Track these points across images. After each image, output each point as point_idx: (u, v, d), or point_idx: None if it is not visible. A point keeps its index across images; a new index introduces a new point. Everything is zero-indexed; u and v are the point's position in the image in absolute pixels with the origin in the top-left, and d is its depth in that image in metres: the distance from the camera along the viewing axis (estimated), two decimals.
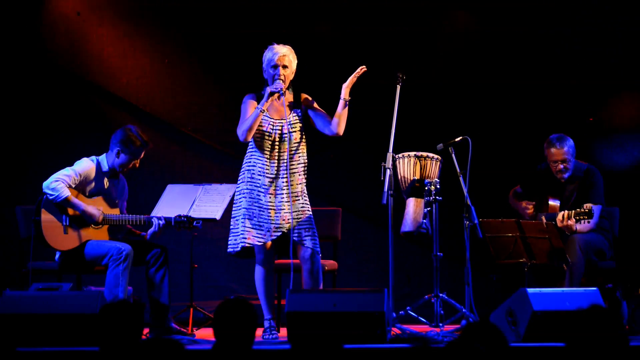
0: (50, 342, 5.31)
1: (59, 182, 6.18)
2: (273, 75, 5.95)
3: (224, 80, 8.00)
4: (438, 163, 6.11)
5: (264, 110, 5.91)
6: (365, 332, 5.37)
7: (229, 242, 6.03)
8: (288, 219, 5.93)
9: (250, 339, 3.50)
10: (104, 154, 6.41)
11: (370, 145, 7.80)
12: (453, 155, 6.10)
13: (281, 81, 5.92)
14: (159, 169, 7.98)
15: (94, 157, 6.39)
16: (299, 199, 5.95)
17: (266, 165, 5.96)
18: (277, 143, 5.97)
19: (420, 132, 7.58)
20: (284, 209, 5.93)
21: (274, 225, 5.92)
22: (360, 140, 7.98)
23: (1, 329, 5.37)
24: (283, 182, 5.95)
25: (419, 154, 6.09)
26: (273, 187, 5.94)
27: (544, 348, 5.18)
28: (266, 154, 5.96)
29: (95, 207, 6.25)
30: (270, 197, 5.94)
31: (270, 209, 5.93)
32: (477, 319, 5.94)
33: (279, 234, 5.93)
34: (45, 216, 6.22)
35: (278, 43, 6.02)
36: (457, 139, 6.14)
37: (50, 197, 6.18)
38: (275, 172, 5.96)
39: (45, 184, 6.20)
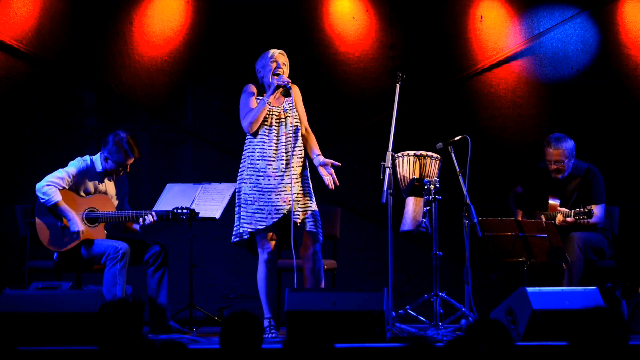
0: (50, 341, 5.31)
1: (51, 187, 6.18)
2: (273, 68, 5.99)
3: (224, 79, 7.99)
4: (437, 162, 6.11)
5: (269, 102, 5.96)
6: (364, 331, 5.37)
7: (233, 232, 6.03)
8: (289, 200, 5.93)
9: (256, 352, 3.51)
10: (99, 153, 6.40)
11: (370, 144, 7.80)
12: (452, 154, 6.11)
13: (283, 74, 5.97)
14: (158, 168, 7.98)
15: (87, 157, 6.39)
16: (298, 182, 5.96)
17: (264, 149, 5.97)
18: (274, 127, 6.00)
19: (419, 131, 7.59)
20: (284, 191, 5.94)
21: (274, 207, 5.92)
22: (360, 139, 7.99)
23: (1, 328, 5.37)
24: (282, 164, 5.96)
25: (419, 153, 6.09)
26: (272, 169, 5.95)
27: (544, 347, 5.18)
28: (264, 138, 5.98)
29: (80, 224, 6.22)
30: (269, 180, 5.95)
31: (270, 191, 5.93)
32: (477, 318, 5.94)
33: (280, 215, 5.92)
34: (40, 218, 6.22)
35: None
36: (456, 138, 6.14)
37: (42, 201, 6.19)
38: (274, 154, 5.97)
39: (38, 186, 6.20)
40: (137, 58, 7.88)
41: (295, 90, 6.11)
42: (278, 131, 6.00)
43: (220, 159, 7.97)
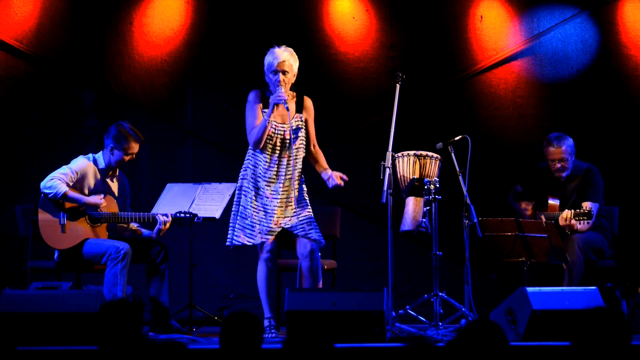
0: (50, 341, 5.31)
1: (55, 180, 6.19)
2: (274, 80, 5.92)
3: (224, 79, 7.99)
4: (437, 162, 6.11)
5: (270, 121, 5.91)
6: (364, 331, 5.37)
7: (227, 236, 6.06)
8: (281, 224, 5.94)
9: (256, 352, 3.51)
10: (101, 151, 6.41)
11: (370, 144, 7.80)
12: (452, 154, 6.11)
13: (282, 87, 5.89)
14: (158, 168, 7.98)
15: (90, 155, 6.40)
16: (291, 205, 5.95)
17: (266, 169, 5.96)
18: (278, 147, 5.97)
19: (419, 131, 7.58)
20: (276, 214, 5.95)
21: (266, 227, 5.94)
22: (360, 139, 7.98)
23: (1, 328, 5.37)
24: (280, 187, 5.96)
25: (419, 153, 6.09)
26: (270, 191, 5.96)
27: (544, 347, 5.18)
28: (267, 157, 5.96)
29: (96, 197, 6.25)
30: (265, 200, 5.95)
31: (265, 211, 5.95)
32: (477, 318, 5.94)
33: (271, 237, 5.94)
34: (43, 215, 6.23)
35: (279, 45, 5.99)
36: (456, 138, 6.15)
37: (50, 195, 6.19)
38: (274, 176, 5.96)
39: (42, 183, 6.21)
40: (137, 58, 7.88)
41: (308, 106, 6.06)
42: (281, 153, 5.97)
43: (220, 159, 7.97)
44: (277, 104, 5.90)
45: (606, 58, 7.99)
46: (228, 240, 6.06)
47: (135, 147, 6.36)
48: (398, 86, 6.18)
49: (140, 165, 7.91)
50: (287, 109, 5.92)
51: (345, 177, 6.04)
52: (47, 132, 7.87)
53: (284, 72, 5.92)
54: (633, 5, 8.00)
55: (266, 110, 5.94)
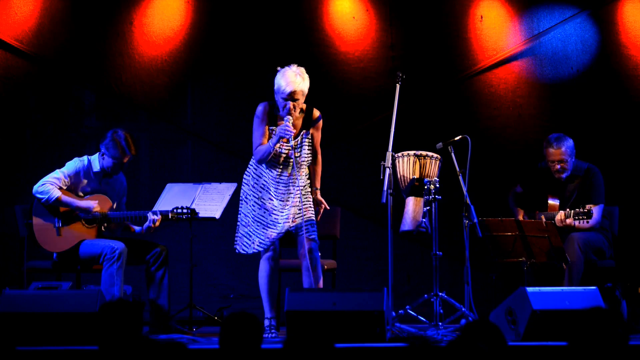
0: (50, 341, 5.31)
1: (47, 184, 6.19)
2: (283, 105, 5.87)
3: (224, 79, 7.99)
4: (437, 162, 6.11)
5: (275, 148, 5.91)
6: (364, 331, 5.37)
7: (244, 243, 6.05)
8: (277, 234, 5.96)
9: (256, 352, 3.51)
10: (97, 153, 6.41)
11: (370, 144, 7.80)
12: (452, 154, 6.11)
13: (290, 118, 5.84)
14: (158, 168, 7.98)
15: (85, 157, 6.38)
16: (289, 221, 5.97)
17: (268, 183, 5.98)
18: (281, 166, 5.97)
19: (419, 131, 7.58)
20: (274, 228, 5.97)
21: (259, 239, 5.99)
22: (360, 139, 7.98)
23: (1, 328, 5.37)
24: (281, 204, 5.97)
25: (419, 152, 6.09)
26: (270, 205, 5.97)
27: (544, 347, 5.19)
28: (270, 172, 5.98)
29: (89, 201, 6.25)
30: (265, 212, 5.99)
31: (261, 222, 5.99)
32: (477, 318, 5.95)
33: (266, 246, 5.98)
34: (37, 220, 6.23)
35: (290, 65, 5.89)
36: (456, 138, 6.15)
37: (42, 201, 6.19)
38: (276, 191, 5.97)
39: (35, 187, 6.21)
40: (137, 58, 7.88)
41: (316, 119, 6.04)
42: (282, 170, 5.98)
43: (220, 159, 7.96)
44: (282, 137, 5.89)
45: (606, 58, 7.99)
46: (235, 242, 6.10)
47: (125, 158, 6.33)
48: (398, 86, 6.18)
49: (140, 165, 7.91)
50: (292, 147, 5.90)
51: (327, 207, 6.07)
52: (47, 132, 7.87)
53: (295, 99, 5.88)
54: (633, 5, 8.00)
55: (274, 128, 5.94)
